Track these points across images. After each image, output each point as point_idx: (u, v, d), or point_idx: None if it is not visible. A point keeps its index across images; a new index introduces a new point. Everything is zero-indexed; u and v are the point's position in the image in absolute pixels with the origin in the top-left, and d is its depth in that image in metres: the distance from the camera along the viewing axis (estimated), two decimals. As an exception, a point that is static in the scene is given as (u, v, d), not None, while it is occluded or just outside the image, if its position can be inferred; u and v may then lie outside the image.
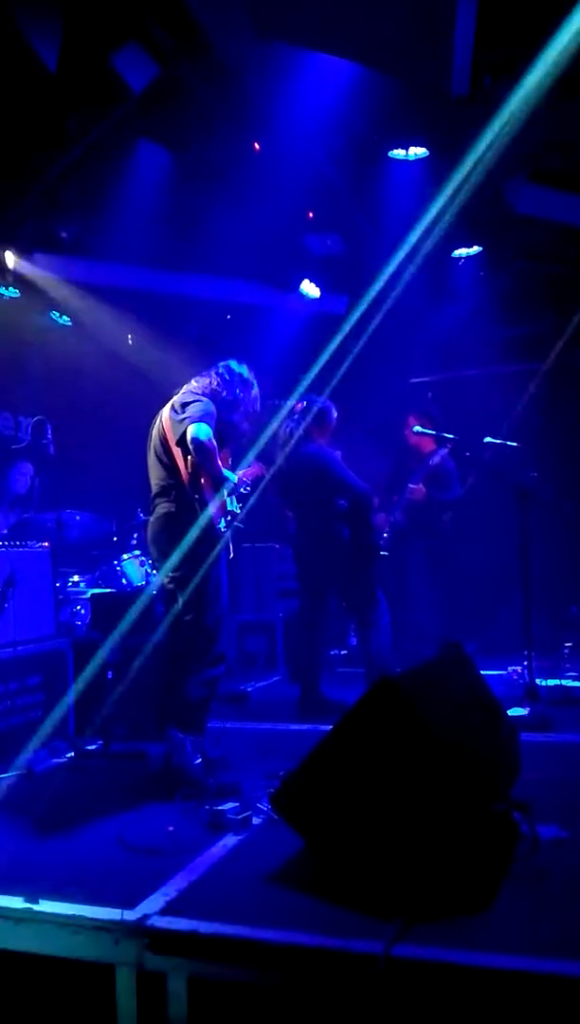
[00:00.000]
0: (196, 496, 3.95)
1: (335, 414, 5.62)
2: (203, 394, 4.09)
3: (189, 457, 3.92)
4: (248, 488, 4.55)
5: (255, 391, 4.29)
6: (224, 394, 4.13)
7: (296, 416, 5.51)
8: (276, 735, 4.92)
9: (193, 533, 3.94)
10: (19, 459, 6.35)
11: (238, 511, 4.30)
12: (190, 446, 3.85)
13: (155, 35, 4.64)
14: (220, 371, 4.22)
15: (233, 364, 4.26)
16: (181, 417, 3.93)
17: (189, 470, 3.95)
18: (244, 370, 4.27)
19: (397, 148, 5.92)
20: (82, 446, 7.40)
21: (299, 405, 5.56)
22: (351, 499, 5.41)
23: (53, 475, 6.98)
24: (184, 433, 3.87)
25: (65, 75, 4.47)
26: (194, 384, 4.18)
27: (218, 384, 4.16)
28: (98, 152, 5.42)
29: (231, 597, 7.15)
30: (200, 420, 3.87)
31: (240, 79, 5.08)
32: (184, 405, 3.99)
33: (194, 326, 7.87)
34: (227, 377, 4.19)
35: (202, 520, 3.94)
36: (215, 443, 3.87)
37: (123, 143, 5.70)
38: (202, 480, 3.96)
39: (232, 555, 4.22)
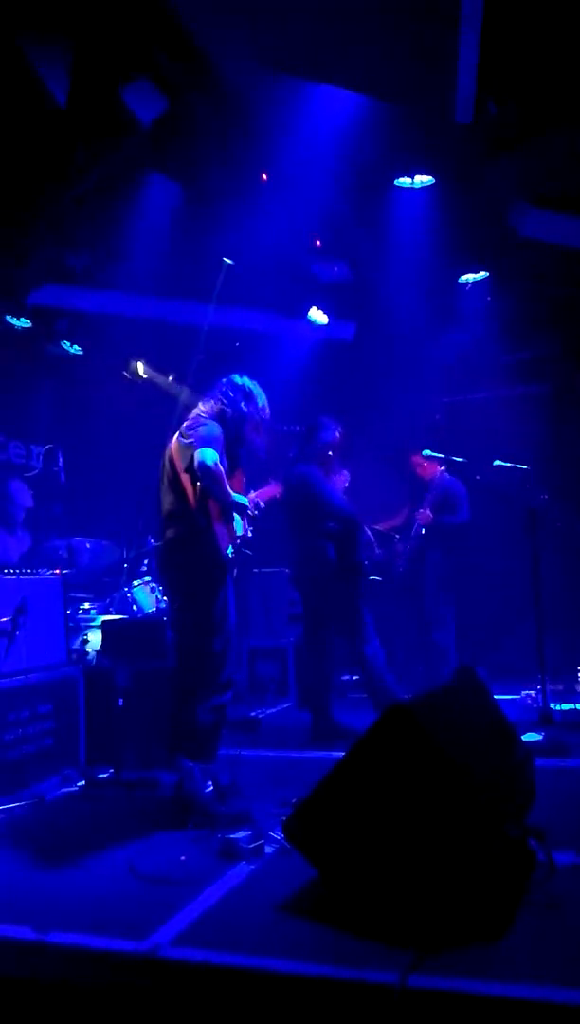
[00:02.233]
0: (204, 523, 3.94)
1: (336, 434, 5.55)
2: (209, 417, 4.10)
3: (197, 483, 3.92)
4: (260, 510, 4.53)
5: (262, 401, 4.25)
6: (229, 411, 4.13)
7: (298, 441, 5.52)
8: (288, 762, 4.88)
9: (200, 559, 3.94)
10: (12, 479, 6.41)
11: (249, 535, 4.29)
12: (197, 471, 3.85)
13: (164, 69, 4.72)
14: (223, 389, 4.21)
15: (235, 378, 4.25)
16: (188, 442, 3.95)
17: (197, 496, 3.95)
18: (246, 382, 4.24)
19: (403, 176, 5.98)
20: (93, 474, 7.43)
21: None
22: (336, 521, 5.38)
23: (64, 503, 7.01)
24: (192, 459, 3.88)
25: (75, 109, 4.55)
26: (200, 408, 4.19)
27: (223, 403, 4.16)
28: (108, 184, 5.50)
29: (241, 623, 7.16)
30: (206, 445, 3.87)
31: (247, 111, 5.16)
32: (191, 429, 4.00)
33: (202, 354, 7.93)
34: (231, 394, 4.18)
35: (209, 546, 3.94)
36: (221, 468, 3.86)
37: (132, 175, 5.78)
38: (210, 505, 3.95)
39: (234, 573, 4.19)
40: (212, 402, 4.19)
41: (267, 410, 4.29)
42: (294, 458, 5.49)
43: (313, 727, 5.41)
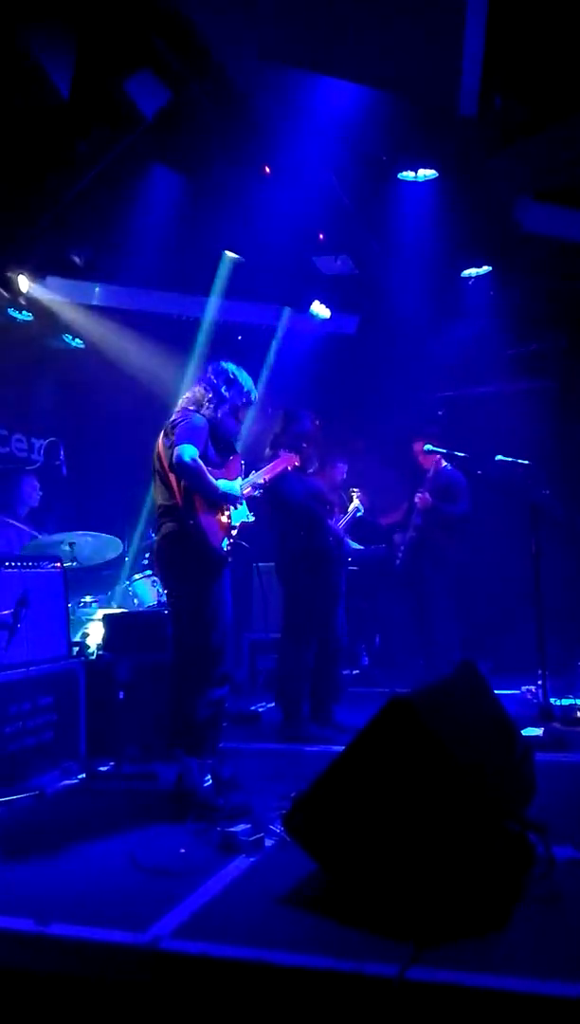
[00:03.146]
0: (191, 521, 3.92)
1: (309, 425, 5.46)
2: (191, 405, 4.09)
3: (182, 482, 3.91)
4: (261, 492, 4.51)
5: (247, 387, 4.23)
6: (210, 397, 4.11)
7: (272, 436, 5.48)
8: (288, 756, 4.89)
9: (192, 555, 3.93)
10: (25, 474, 6.41)
11: (249, 519, 4.26)
12: (176, 470, 3.86)
13: (167, 61, 4.70)
14: (206, 375, 4.21)
15: (219, 364, 4.24)
16: (169, 442, 3.95)
17: (181, 494, 3.94)
18: (229, 367, 4.23)
19: (406, 170, 5.96)
20: (94, 467, 7.44)
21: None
22: (294, 517, 5.37)
23: (66, 496, 7.01)
24: (172, 458, 3.88)
25: (78, 101, 4.54)
26: (185, 397, 4.19)
27: (203, 390, 4.14)
28: (110, 176, 5.48)
29: (242, 616, 7.16)
30: (185, 441, 3.86)
31: (251, 103, 5.14)
32: (173, 427, 3.99)
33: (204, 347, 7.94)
34: (214, 380, 4.16)
35: (200, 542, 3.92)
36: (200, 463, 3.85)
37: (135, 167, 5.76)
38: (197, 501, 3.93)
39: (228, 564, 4.14)
40: (195, 389, 4.18)
41: (252, 395, 4.27)
42: (268, 450, 5.41)
43: (281, 725, 5.38)
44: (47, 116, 4.67)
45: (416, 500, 6.61)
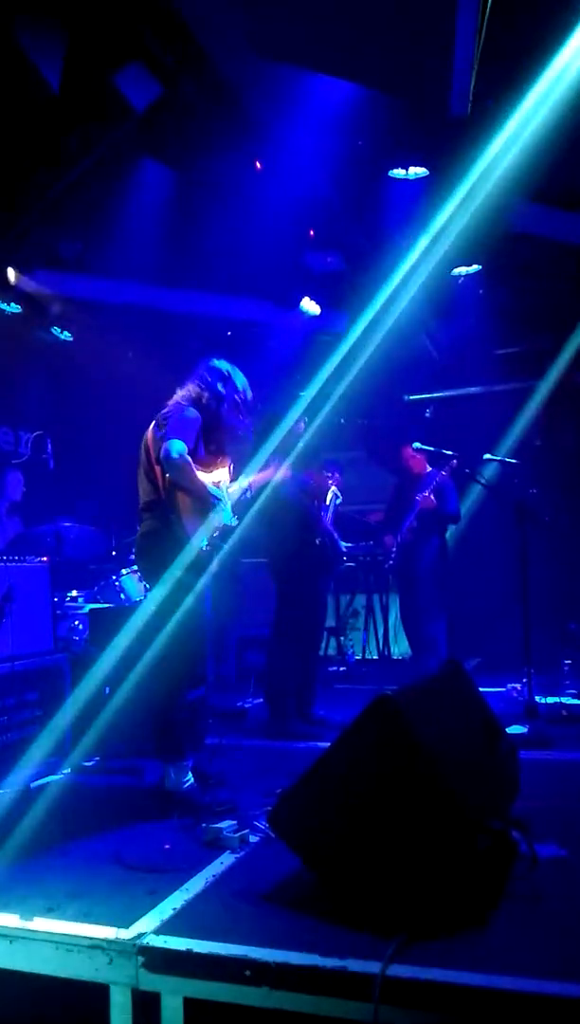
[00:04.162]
0: (172, 516, 3.86)
1: (301, 425, 5.43)
2: (186, 401, 4.02)
3: (167, 476, 3.84)
4: (250, 494, 4.48)
5: (240, 382, 4.15)
6: (206, 395, 4.04)
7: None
8: (275, 752, 4.90)
9: (171, 552, 3.87)
10: (10, 468, 6.38)
11: (234, 523, 4.23)
12: (162, 464, 3.79)
13: (158, 54, 4.68)
14: (200, 372, 4.14)
15: (212, 361, 4.18)
16: (160, 435, 3.88)
17: (165, 489, 3.87)
18: (223, 364, 4.16)
19: (397, 167, 5.96)
20: (82, 461, 7.41)
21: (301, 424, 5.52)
22: (290, 516, 5.36)
23: (52, 490, 6.99)
24: (160, 451, 3.81)
25: (68, 94, 4.51)
26: (178, 393, 4.12)
27: (198, 386, 4.07)
28: (100, 170, 5.45)
29: (230, 613, 7.14)
30: (175, 436, 3.79)
31: (242, 98, 5.13)
32: (165, 419, 3.93)
33: (195, 342, 7.92)
34: (208, 377, 4.09)
35: (180, 539, 3.86)
36: (188, 459, 3.78)
37: (125, 161, 5.74)
38: (180, 498, 3.87)
39: (213, 566, 4.08)
40: (190, 386, 4.11)
41: (248, 392, 4.20)
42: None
43: (269, 721, 5.39)
44: (37, 109, 4.64)
45: (420, 501, 6.61)
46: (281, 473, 4.86)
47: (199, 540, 3.93)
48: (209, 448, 4.09)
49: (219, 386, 4.07)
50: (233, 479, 4.30)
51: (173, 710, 3.87)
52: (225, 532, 4.15)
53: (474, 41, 3.85)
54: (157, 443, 3.89)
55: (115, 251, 6.59)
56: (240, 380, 4.18)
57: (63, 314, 7.43)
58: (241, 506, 4.37)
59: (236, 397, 4.12)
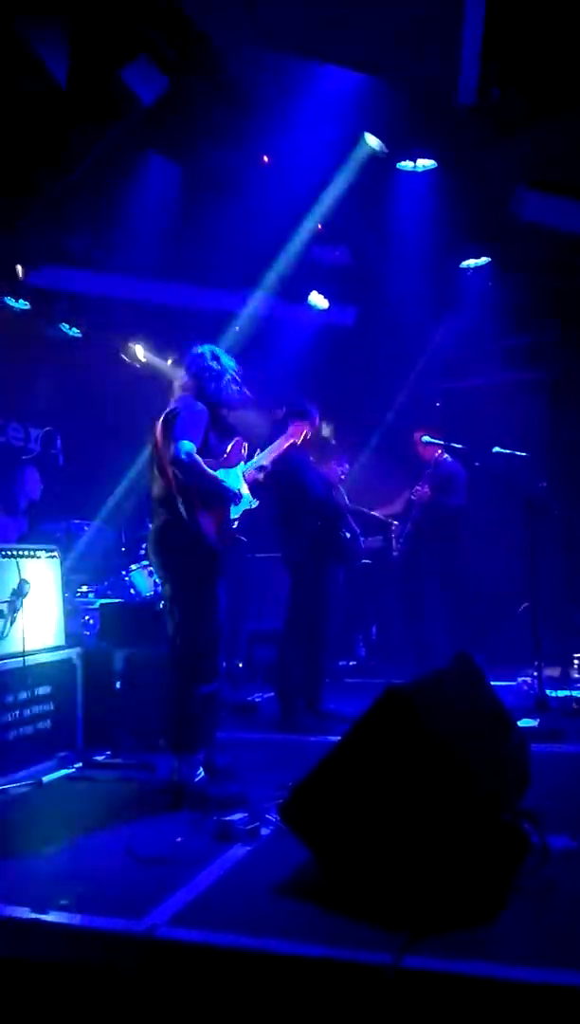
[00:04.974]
0: (187, 513, 3.86)
1: (318, 420, 5.45)
2: (188, 394, 4.05)
3: (178, 475, 3.84)
4: (265, 474, 4.46)
5: (228, 360, 4.16)
6: (204, 379, 4.06)
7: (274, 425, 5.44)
8: (285, 746, 4.90)
9: (185, 548, 3.89)
10: (27, 465, 6.40)
11: (253, 505, 4.20)
12: (173, 466, 3.80)
13: (164, 48, 4.67)
14: (190, 360, 4.15)
15: (195, 348, 4.19)
16: (167, 435, 3.88)
17: (178, 487, 3.87)
18: (206, 348, 4.18)
19: (405, 160, 5.94)
20: (91, 456, 7.42)
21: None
22: (314, 510, 5.35)
23: (62, 485, 7.00)
24: (170, 452, 3.82)
25: (75, 88, 4.51)
26: (177, 386, 4.16)
27: (195, 374, 4.09)
28: (107, 165, 5.45)
29: (240, 607, 7.15)
30: (183, 436, 3.80)
31: (248, 92, 5.12)
32: (173, 416, 3.93)
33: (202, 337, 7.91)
34: (201, 361, 4.11)
35: (194, 535, 3.87)
36: (197, 458, 3.79)
37: (132, 155, 5.74)
38: (193, 494, 3.86)
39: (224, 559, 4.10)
40: (187, 379, 4.13)
41: (236, 369, 4.18)
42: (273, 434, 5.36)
43: (280, 715, 5.40)
44: (43, 103, 4.64)
45: (413, 494, 6.60)
46: (298, 436, 4.83)
47: (214, 535, 3.93)
48: (221, 433, 4.09)
49: (213, 365, 4.09)
50: (248, 459, 4.29)
51: (188, 704, 3.89)
52: (243, 520, 4.13)
53: (481, 30, 3.83)
54: (166, 441, 3.89)
55: (122, 246, 6.59)
56: (225, 358, 4.19)
57: (71, 310, 7.43)
58: (260, 487, 4.37)
59: (229, 372, 4.13)
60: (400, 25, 4.24)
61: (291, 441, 4.75)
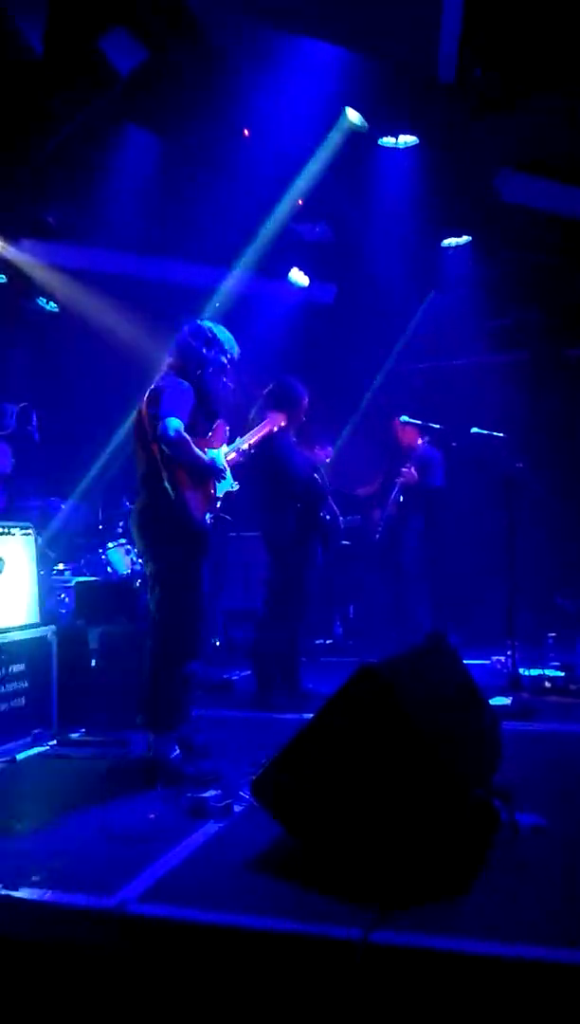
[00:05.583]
0: (173, 491, 3.82)
1: (305, 400, 5.41)
2: (173, 371, 3.98)
3: (165, 452, 3.78)
4: (245, 458, 4.42)
5: (227, 344, 4.07)
6: (190, 363, 3.97)
7: (261, 400, 5.42)
8: (261, 723, 4.92)
9: (171, 527, 3.86)
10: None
11: (234, 487, 4.17)
12: (160, 443, 3.73)
13: (143, 18, 4.60)
14: (184, 338, 4.06)
15: (195, 324, 4.10)
16: (153, 412, 3.80)
17: (164, 465, 3.82)
18: (206, 325, 4.09)
19: (387, 136, 5.89)
20: (68, 433, 7.36)
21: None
22: (298, 490, 5.34)
23: (39, 462, 6.95)
24: (156, 429, 3.76)
25: (52, 58, 4.43)
26: (166, 362, 4.07)
27: (184, 352, 4.01)
28: (85, 137, 5.38)
29: (217, 585, 7.15)
30: (170, 413, 3.73)
31: (229, 64, 5.05)
32: (158, 393, 3.85)
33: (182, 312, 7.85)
34: (192, 342, 4.02)
35: (180, 515, 3.84)
36: (184, 436, 3.73)
37: (110, 128, 5.66)
38: (179, 473, 3.83)
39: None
40: (175, 352, 4.05)
41: (234, 352, 4.10)
42: (253, 414, 5.33)
43: (256, 693, 5.41)
44: (19, 73, 4.56)
45: (402, 476, 6.60)
46: (277, 425, 4.82)
47: (201, 514, 3.91)
48: (206, 415, 4.03)
49: (203, 351, 4.00)
50: (229, 441, 4.26)
51: (167, 682, 3.88)
52: (228, 499, 4.13)
53: (460, 7, 3.79)
54: (152, 419, 3.81)
55: (101, 220, 6.51)
56: (227, 339, 4.09)
57: (48, 284, 7.35)
58: (241, 469, 4.33)
59: (222, 359, 4.05)
60: (381, 2, 4.19)
61: (268, 429, 4.73)
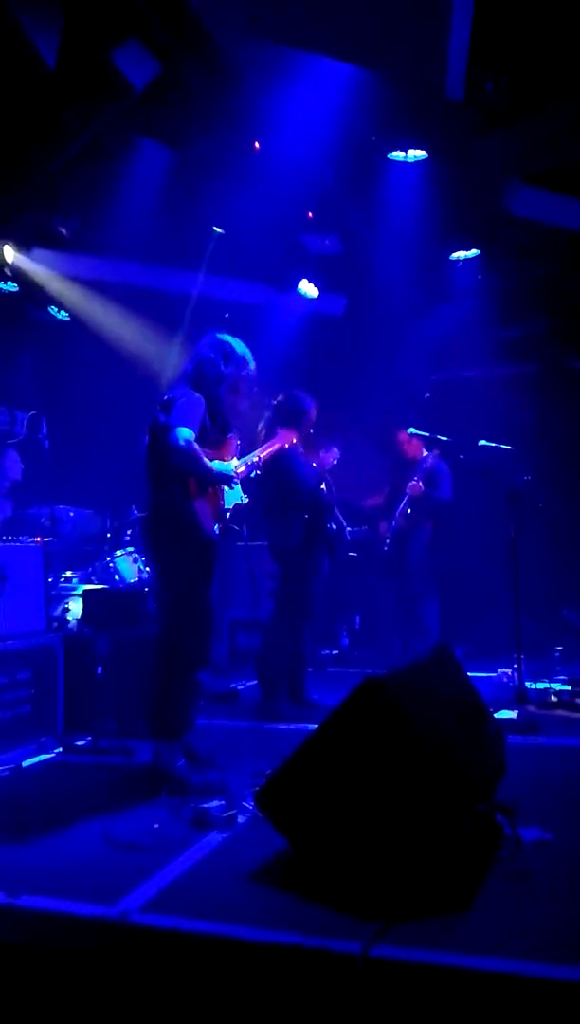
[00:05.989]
0: (183, 502, 3.84)
1: (313, 411, 5.43)
2: (187, 381, 3.98)
3: (175, 462, 3.79)
4: (256, 473, 4.46)
5: (243, 357, 4.06)
6: (207, 374, 3.97)
7: (269, 412, 5.44)
8: (266, 734, 4.92)
9: (181, 538, 3.87)
10: (7, 448, 6.38)
11: (243, 500, 4.18)
12: (170, 453, 3.74)
13: (156, 32, 4.63)
14: (202, 349, 4.06)
15: (215, 336, 4.09)
16: (165, 421, 3.82)
17: (175, 475, 3.84)
18: (226, 339, 4.08)
19: (396, 150, 5.92)
20: (78, 442, 7.40)
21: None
22: (305, 502, 5.35)
23: (48, 470, 6.98)
24: (167, 438, 3.76)
25: (65, 71, 4.47)
26: (179, 373, 4.09)
27: (202, 364, 4.01)
28: (98, 148, 5.42)
29: (223, 594, 7.16)
30: (181, 423, 3.74)
31: (241, 78, 5.08)
32: (171, 404, 3.86)
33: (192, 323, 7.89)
34: (210, 354, 4.02)
35: (190, 525, 3.86)
36: (195, 447, 3.74)
37: (123, 139, 5.71)
38: (190, 483, 3.86)
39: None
40: (191, 363, 4.06)
41: (250, 368, 4.09)
42: (267, 431, 5.36)
43: (261, 703, 5.41)
44: (33, 86, 4.60)
45: (409, 488, 6.62)
46: (288, 442, 4.84)
47: (210, 525, 3.92)
48: (217, 427, 4.04)
49: (221, 365, 4.00)
50: (240, 455, 4.27)
51: (174, 691, 3.89)
52: (237, 512, 4.14)
53: (469, 24, 3.81)
54: (163, 428, 3.82)
55: (112, 230, 6.56)
56: (244, 355, 4.09)
57: (59, 293, 7.40)
58: (253, 482, 4.33)
59: (237, 375, 4.04)
60: (391, 16, 4.22)
61: (278, 446, 4.75)
